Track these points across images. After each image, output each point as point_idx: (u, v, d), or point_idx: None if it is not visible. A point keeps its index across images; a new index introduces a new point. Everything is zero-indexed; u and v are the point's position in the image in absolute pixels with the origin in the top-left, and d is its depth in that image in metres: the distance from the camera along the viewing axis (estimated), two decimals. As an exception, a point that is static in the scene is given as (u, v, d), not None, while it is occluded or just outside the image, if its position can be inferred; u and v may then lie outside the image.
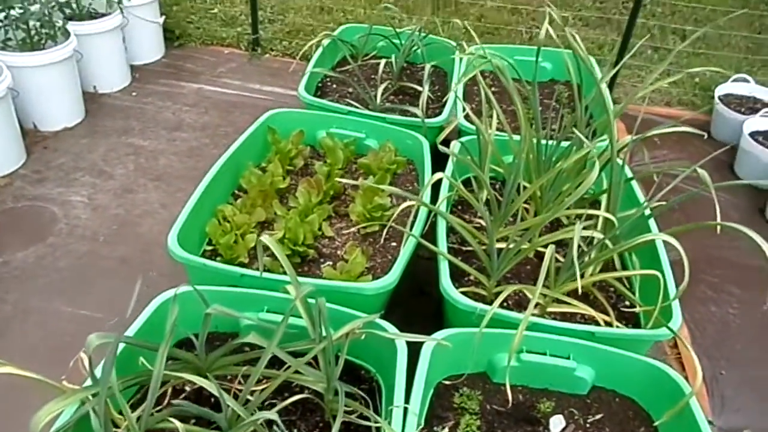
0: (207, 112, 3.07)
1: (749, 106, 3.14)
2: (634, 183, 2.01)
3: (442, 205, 1.75)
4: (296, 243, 1.65)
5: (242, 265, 1.65)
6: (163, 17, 3.42)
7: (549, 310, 1.60)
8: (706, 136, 2.05)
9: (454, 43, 2.83)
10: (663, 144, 3.08)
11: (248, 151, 2.00)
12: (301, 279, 1.42)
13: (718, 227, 1.51)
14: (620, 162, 1.90)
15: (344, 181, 1.85)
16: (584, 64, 1.96)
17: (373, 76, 2.72)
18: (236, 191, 1.95)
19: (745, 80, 3.26)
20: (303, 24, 3.90)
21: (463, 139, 1.98)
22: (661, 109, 3.43)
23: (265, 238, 1.21)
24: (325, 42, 2.73)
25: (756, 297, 2.23)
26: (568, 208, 1.66)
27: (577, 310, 1.56)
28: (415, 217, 1.69)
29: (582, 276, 1.67)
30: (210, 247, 1.73)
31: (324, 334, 1.24)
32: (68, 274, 2.13)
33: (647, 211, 1.82)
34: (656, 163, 2.97)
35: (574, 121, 2.05)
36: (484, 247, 1.68)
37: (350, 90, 2.61)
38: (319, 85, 2.67)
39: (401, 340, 1.33)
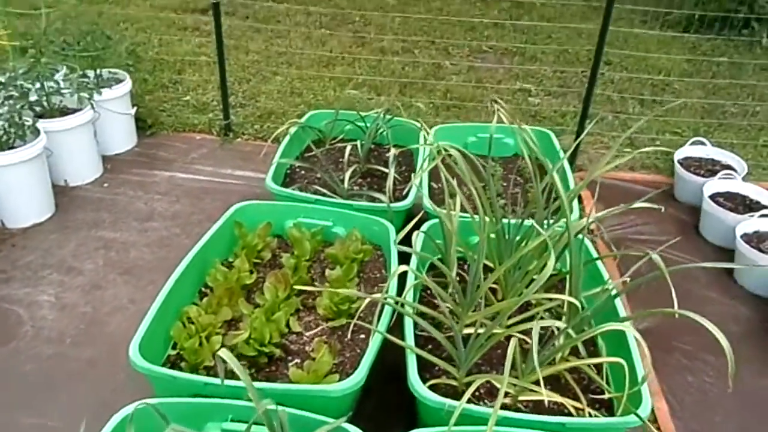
0: (179, 200, 3.09)
1: (708, 168, 3.24)
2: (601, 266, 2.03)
3: (409, 294, 1.76)
4: (262, 343, 1.64)
5: (208, 368, 1.62)
6: (135, 108, 3.49)
7: (521, 398, 1.59)
8: (663, 210, 2.10)
9: (417, 124, 2.91)
10: (628, 210, 3.15)
11: (215, 247, 2.00)
12: (264, 385, 1.40)
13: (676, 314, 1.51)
14: (584, 239, 1.94)
15: (306, 288, 1.83)
16: (536, 147, 2.02)
17: (341, 160, 2.78)
18: (203, 289, 1.94)
19: (702, 143, 3.38)
20: (274, 107, 4.00)
21: (426, 225, 2.01)
22: (625, 174, 3.53)
23: (223, 352, 1.20)
24: (293, 129, 2.79)
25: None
26: (535, 292, 1.67)
27: (550, 398, 1.54)
28: (383, 308, 1.69)
29: (553, 362, 1.67)
30: (175, 351, 1.70)
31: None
32: (33, 380, 2.07)
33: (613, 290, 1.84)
34: (624, 228, 3.03)
35: (534, 200, 2.09)
36: (451, 334, 1.67)
37: (318, 176, 2.66)
38: (288, 172, 2.71)
39: (369, 446, 1.30)
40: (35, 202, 2.85)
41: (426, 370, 1.70)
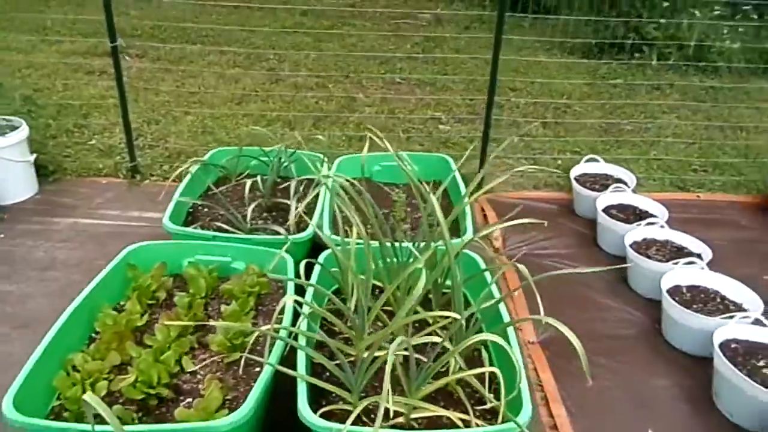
0: (82, 246, 3.00)
1: (602, 182, 3.44)
2: (489, 277, 2.11)
3: (303, 324, 1.77)
4: (151, 385, 1.60)
5: (96, 417, 1.57)
6: (35, 155, 3.38)
7: (414, 416, 1.62)
8: (545, 224, 2.21)
9: (321, 156, 2.96)
10: (532, 226, 3.29)
11: (105, 290, 1.96)
12: (148, 427, 1.38)
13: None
14: (469, 255, 2.02)
15: (191, 324, 1.81)
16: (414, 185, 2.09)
17: (249, 195, 2.79)
18: (93, 335, 1.89)
19: (596, 160, 3.59)
20: (184, 147, 3.97)
21: (322, 255, 2.04)
22: (529, 193, 3.70)
23: (88, 396, 1.17)
24: (194, 168, 2.78)
25: (625, 367, 2.35)
26: (413, 311, 1.72)
27: (437, 413, 1.58)
28: (274, 340, 1.69)
29: (443, 377, 1.71)
30: (59, 402, 1.64)
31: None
32: None
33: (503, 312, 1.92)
34: (528, 244, 3.16)
35: (421, 224, 2.16)
36: (351, 359, 1.70)
37: (221, 213, 2.65)
38: (191, 210, 2.69)
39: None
40: None
41: (324, 397, 1.71)
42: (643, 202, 3.21)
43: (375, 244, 2.07)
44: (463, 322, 1.67)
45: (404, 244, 2.07)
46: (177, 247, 2.19)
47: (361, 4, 7.62)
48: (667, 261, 2.70)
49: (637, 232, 2.90)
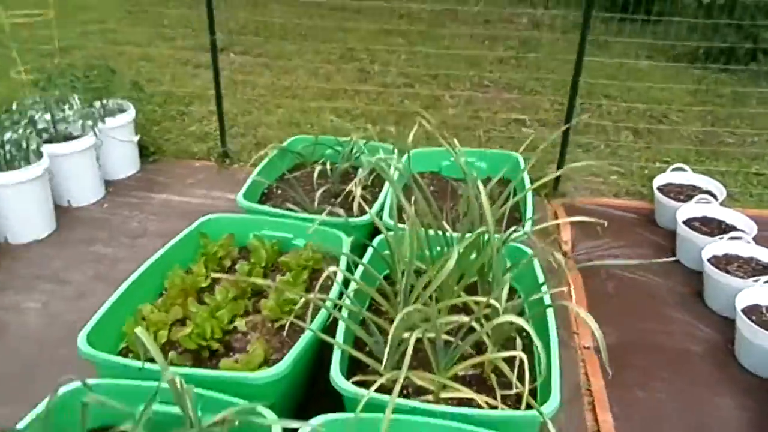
0: (169, 219, 3.27)
1: (687, 193, 3.26)
2: (537, 267, 2.09)
3: (348, 298, 1.86)
4: (204, 338, 1.75)
5: (152, 360, 1.74)
6: (138, 136, 3.73)
7: (443, 395, 1.65)
8: (605, 224, 2.16)
9: (391, 147, 3.04)
10: (605, 233, 3.18)
11: (178, 254, 2.14)
12: (190, 371, 1.51)
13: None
14: (525, 249, 2.01)
15: (247, 279, 1.94)
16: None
17: (319, 182, 2.93)
18: (164, 292, 2.08)
19: (683, 170, 3.40)
20: (273, 136, 4.20)
21: (376, 239, 2.12)
22: (608, 200, 3.57)
23: (139, 330, 1.31)
24: (273, 153, 2.96)
25: (684, 381, 2.23)
26: (459, 296, 1.75)
27: (463, 395, 1.60)
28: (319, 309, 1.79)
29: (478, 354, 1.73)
30: (126, 345, 1.83)
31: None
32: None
33: (546, 297, 1.90)
34: (599, 251, 3.06)
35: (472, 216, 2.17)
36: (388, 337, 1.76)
37: (293, 195, 2.80)
38: (265, 191, 2.87)
39: (277, 427, 1.39)
40: (37, 220, 3.07)
41: (361, 370, 1.78)
42: (730, 215, 3.01)
43: (428, 232, 2.11)
44: (500, 306, 1.67)
45: (454, 234, 2.09)
46: (246, 221, 2.36)
47: (458, 7, 7.64)
48: (748, 278, 2.52)
49: (718, 246, 2.73)
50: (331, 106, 4.76)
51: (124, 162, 3.69)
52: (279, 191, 2.88)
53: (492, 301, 1.66)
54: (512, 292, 2.28)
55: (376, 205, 2.49)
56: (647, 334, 2.46)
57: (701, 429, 2.02)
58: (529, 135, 4.48)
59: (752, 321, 2.29)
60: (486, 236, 1.93)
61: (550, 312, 1.87)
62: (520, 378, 1.59)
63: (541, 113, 4.87)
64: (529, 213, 2.47)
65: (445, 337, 1.70)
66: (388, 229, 2.18)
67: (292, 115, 4.57)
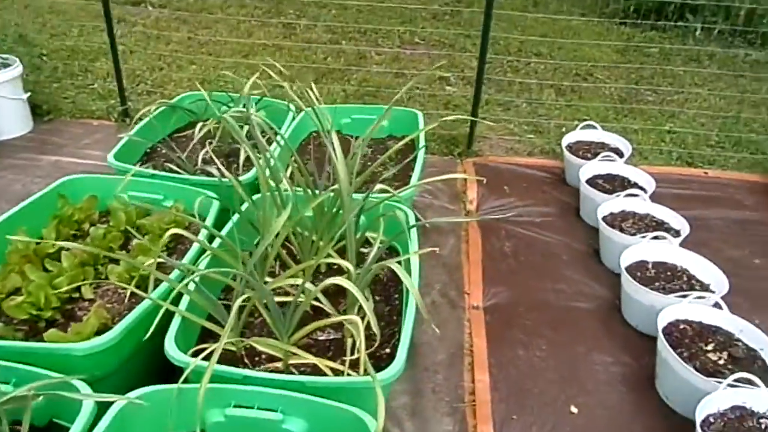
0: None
1: (595, 151, 3.23)
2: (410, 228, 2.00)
3: (203, 263, 1.74)
4: (39, 308, 1.62)
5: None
6: (28, 94, 3.47)
7: (292, 362, 1.57)
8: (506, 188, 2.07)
9: (286, 103, 2.89)
10: (512, 192, 3.14)
11: (30, 218, 1.98)
12: (8, 343, 1.39)
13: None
14: (407, 210, 1.92)
15: (89, 249, 1.78)
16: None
17: (210, 141, 2.77)
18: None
19: (593, 127, 3.36)
20: (180, 95, 3.98)
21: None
22: (521, 159, 3.51)
23: None
24: (159, 109, 2.77)
25: (566, 338, 2.21)
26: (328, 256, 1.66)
27: (307, 361, 1.52)
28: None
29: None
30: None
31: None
32: None
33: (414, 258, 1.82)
34: (504, 210, 3.01)
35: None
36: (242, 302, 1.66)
37: (178, 155, 2.64)
38: (148, 151, 2.70)
39: (89, 401, 1.28)
40: None
41: (214, 338, 1.68)
42: (633, 173, 2.99)
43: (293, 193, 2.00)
44: (351, 268, 1.58)
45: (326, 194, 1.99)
46: (112, 182, 2.20)
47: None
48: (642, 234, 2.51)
49: (614, 203, 2.71)
50: (248, 63, 4.55)
51: (13, 121, 3.44)
52: (164, 151, 2.71)
53: (344, 263, 1.57)
54: (395, 252, 2.21)
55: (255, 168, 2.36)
56: (538, 293, 2.43)
57: (573, 384, 2.01)
58: (452, 93, 4.40)
59: (637, 277, 2.28)
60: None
61: (413, 269, 1.78)
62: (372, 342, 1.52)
63: (467, 71, 4.75)
64: (417, 172, 2.37)
65: (279, 299, 1.60)
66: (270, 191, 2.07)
67: (205, 72, 4.35)
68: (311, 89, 2.57)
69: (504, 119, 3.94)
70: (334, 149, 1.85)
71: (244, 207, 2.00)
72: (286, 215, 1.51)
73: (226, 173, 2.02)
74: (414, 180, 2.26)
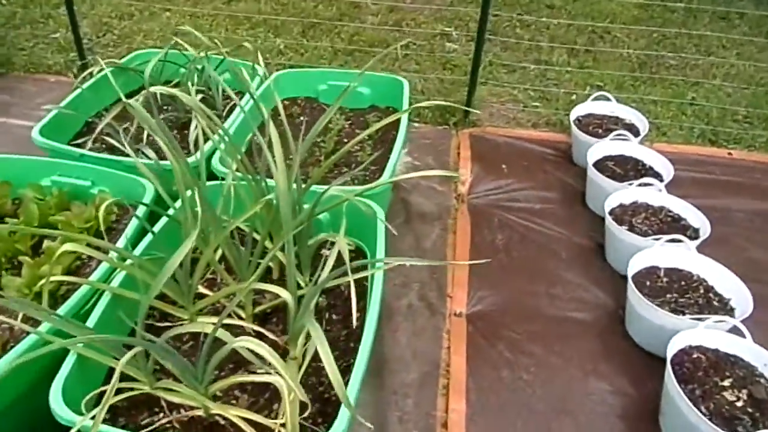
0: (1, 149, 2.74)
1: (608, 127, 2.85)
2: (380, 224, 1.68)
3: (116, 278, 1.44)
4: None
5: None
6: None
7: (215, 412, 1.28)
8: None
9: (251, 65, 2.52)
10: (511, 172, 2.79)
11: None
12: None
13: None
14: (374, 206, 1.58)
15: None
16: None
17: (164, 108, 2.43)
18: None
19: (606, 98, 2.97)
20: (150, 47, 3.59)
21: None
22: (524, 132, 3.14)
23: None
24: (105, 71, 2.41)
25: (560, 358, 1.91)
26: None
27: (232, 414, 1.23)
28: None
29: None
30: None
31: None
32: None
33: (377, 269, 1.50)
34: (500, 193, 2.66)
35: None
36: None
37: (126, 126, 2.29)
38: (89, 121, 2.35)
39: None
40: None
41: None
42: (649, 156, 2.61)
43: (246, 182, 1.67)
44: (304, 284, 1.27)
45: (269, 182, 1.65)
46: (31, 164, 1.87)
47: None
48: (654, 234, 2.18)
49: (625, 194, 2.36)
50: (227, 12, 4.11)
51: (-44, 76, 3.09)
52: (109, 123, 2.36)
53: (279, 291, 1.25)
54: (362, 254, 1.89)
55: (208, 144, 2.01)
56: (530, 298, 2.12)
57: (564, 418, 1.73)
58: (452, 51, 3.97)
59: (646, 286, 1.96)
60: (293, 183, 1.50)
61: (376, 283, 1.47)
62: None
63: (472, 26, 4.29)
64: (392, 160, 2.01)
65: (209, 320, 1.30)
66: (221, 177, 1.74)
67: (179, 21, 3.93)
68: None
69: (507, 84, 3.54)
70: (269, 136, 1.50)
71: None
72: (194, 237, 1.18)
73: (168, 154, 1.68)
74: (388, 170, 1.91)
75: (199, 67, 2.42)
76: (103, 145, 2.20)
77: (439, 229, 2.45)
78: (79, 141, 2.21)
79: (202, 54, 2.43)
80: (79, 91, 2.30)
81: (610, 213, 2.28)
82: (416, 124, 3.15)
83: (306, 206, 1.71)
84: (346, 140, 2.34)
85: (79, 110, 2.26)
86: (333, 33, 3.99)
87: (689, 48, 4.10)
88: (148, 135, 2.16)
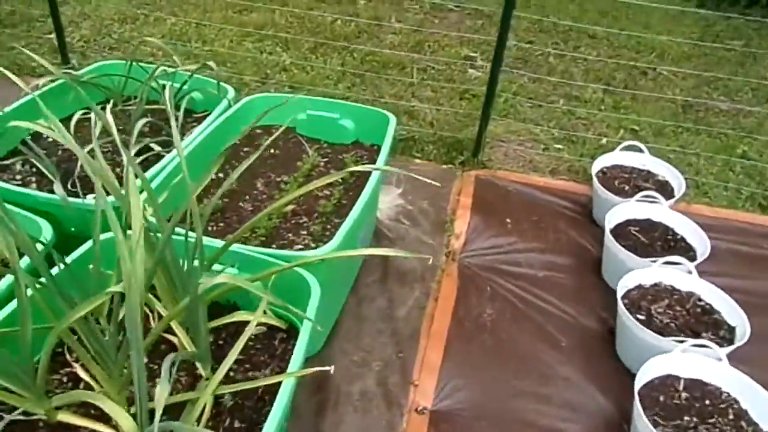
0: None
1: (637, 183, 2.43)
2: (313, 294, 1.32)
3: None
4: None
5: None
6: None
7: None
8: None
9: (227, 88, 2.21)
10: (516, 227, 2.40)
11: None
12: None
13: None
14: (306, 276, 1.23)
15: None
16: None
17: (120, 128, 2.14)
18: None
19: (639, 149, 2.55)
20: (147, 54, 3.35)
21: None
22: (540, 179, 2.74)
23: None
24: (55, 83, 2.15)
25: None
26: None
27: None
28: None
29: None
30: None
31: None
32: None
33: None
34: (500, 253, 2.27)
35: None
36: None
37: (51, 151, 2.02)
38: (28, 139, 2.08)
39: None
40: None
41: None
42: (682, 223, 2.19)
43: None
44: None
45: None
46: None
47: None
48: (676, 331, 1.76)
49: (647, 273, 1.94)
50: (238, 20, 3.85)
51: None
52: (49, 139, 2.09)
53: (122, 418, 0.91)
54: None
55: (155, 169, 1.71)
56: (514, 399, 1.73)
57: None
58: (472, 78, 3.60)
59: (658, 402, 1.56)
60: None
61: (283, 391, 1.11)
62: None
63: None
64: (357, 209, 1.65)
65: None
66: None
67: (183, 29, 3.68)
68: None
69: (530, 120, 3.15)
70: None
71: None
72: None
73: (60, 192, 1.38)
74: (338, 236, 1.54)
75: (163, 83, 2.12)
76: (33, 168, 1.92)
77: (420, 292, 2.07)
78: (8, 162, 1.94)
79: (166, 68, 2.13)
80: (22, 102, 2.03)
81: (625, 296, 1.87)
82: (417, 161, 2.79)
83: (220, 268, 1.38)
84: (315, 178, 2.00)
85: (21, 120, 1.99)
86: (345, 52, 3.67)
87: (745, 92, 3.63)
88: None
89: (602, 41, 4.21)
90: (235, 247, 1.40)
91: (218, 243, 1.41)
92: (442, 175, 2.70)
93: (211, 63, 2.03)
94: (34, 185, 1.84)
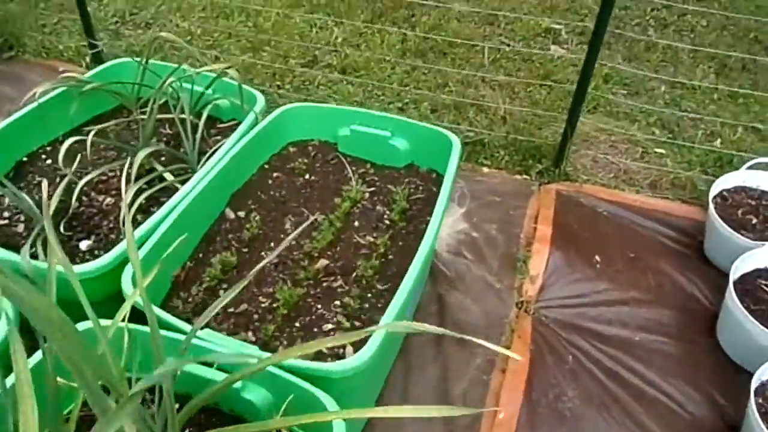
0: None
1: (767, 215, 1.90)
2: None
3: None
4: None
5: None
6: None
7: None
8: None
9: (256, 94, 1.82)
10: (606, 268, 1.93)
11: None
12: None
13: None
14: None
15: None
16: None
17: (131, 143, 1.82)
18: None
19: (771, 168, 2.00)
20: (176, 46, 3.00)
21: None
22: (634, 197, 2.23)
23: None
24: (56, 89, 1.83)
25: None
26: None
27: None
28: None
29: None
30: None
31: None
32: None
33: None
34: (587, 305, 1.83)
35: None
36: None
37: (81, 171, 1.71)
38: (25, 160, 1.78)
39: None
40: None
41: None
42: (834, 279, 1.67)
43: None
44: None
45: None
46: None
47: None
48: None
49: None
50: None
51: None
52: (48, 162, 1.79)
53: None
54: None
55: (150, 222, 1.38)
56: None
57: None
58: (555, 57, 3.03)
59: None
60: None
61: None
62: None
63: (590, 22, 3.32)
64: (412, 274, 1.25)
65: None
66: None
67: (221, 9, 3.27)
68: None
69: (624, 114, 2.60)
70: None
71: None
72: None
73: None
74: (398, 300, 1.16)
75: (185, 85, 1.76)
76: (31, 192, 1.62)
77: (482, 359, 1.68)
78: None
79: (187, 70, 1.77)
80: (20, 114, 1.73)
81: (759, 390, 1.41)
82: (485, 170, 2.34)
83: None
84: (357, 222, 1.61)
85: (16, 139, 1.70)
86: (407, 22, 3.19)
87: None
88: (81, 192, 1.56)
89: (713, 3, 3.51)
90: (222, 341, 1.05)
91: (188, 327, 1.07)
92: (516, 189, 2.25)
93: (232, 71, 1.64)
94: (22, 225, 1.55)
